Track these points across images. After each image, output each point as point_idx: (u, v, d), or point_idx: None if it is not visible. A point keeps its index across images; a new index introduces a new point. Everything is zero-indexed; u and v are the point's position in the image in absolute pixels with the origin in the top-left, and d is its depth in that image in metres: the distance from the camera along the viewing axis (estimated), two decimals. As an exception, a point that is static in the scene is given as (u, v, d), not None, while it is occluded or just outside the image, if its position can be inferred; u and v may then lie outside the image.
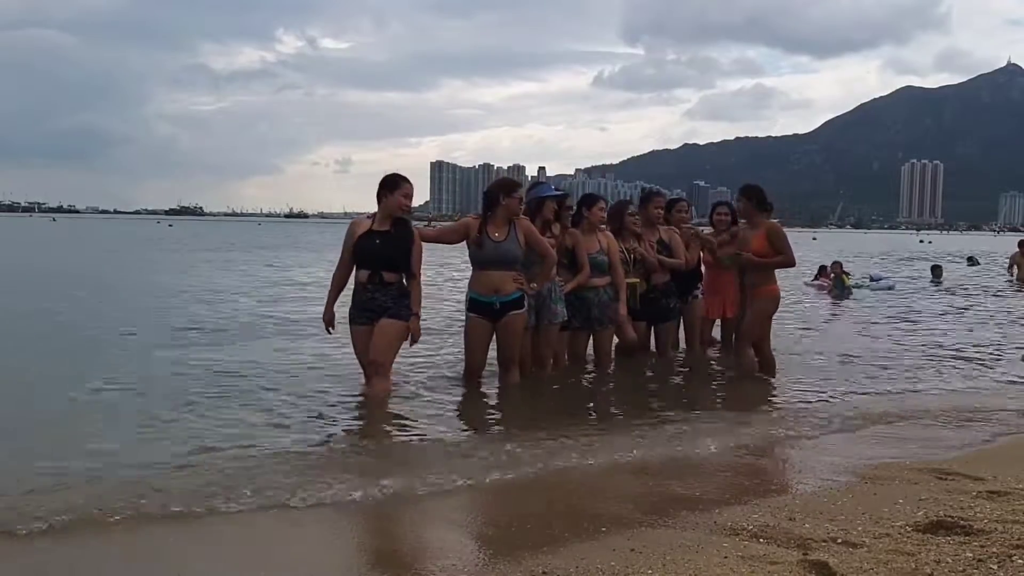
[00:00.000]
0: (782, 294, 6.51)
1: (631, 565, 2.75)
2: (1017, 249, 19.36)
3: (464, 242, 5.70)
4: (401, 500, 3.60)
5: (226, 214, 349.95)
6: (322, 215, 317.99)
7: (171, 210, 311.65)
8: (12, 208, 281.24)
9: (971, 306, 13.12)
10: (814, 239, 62.60)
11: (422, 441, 4.63)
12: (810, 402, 5.77)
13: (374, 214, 5.39)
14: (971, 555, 2.80)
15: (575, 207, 6.43)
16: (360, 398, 5.41)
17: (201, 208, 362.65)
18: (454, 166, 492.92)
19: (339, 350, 6.51)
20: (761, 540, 3.00)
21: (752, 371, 6.33)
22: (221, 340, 8.13)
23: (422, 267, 5.51)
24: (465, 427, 5.01)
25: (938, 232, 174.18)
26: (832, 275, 15.41)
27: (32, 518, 3.17)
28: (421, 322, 5.48)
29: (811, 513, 3.31)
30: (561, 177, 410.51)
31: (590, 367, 6.54)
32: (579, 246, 6.20)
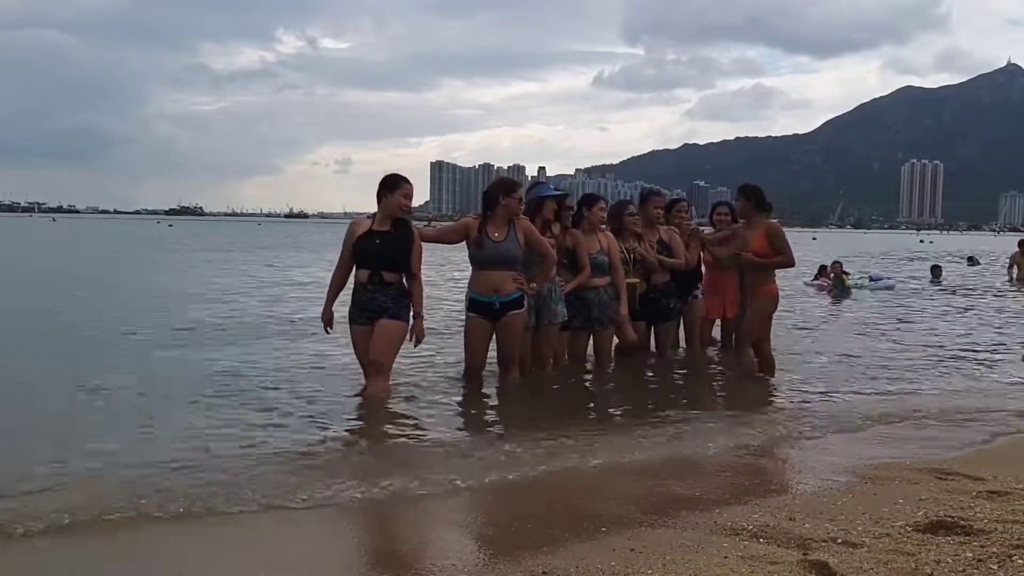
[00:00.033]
0: (782, 294, 6.51)
1: (631, 565, 2.75)
2: (1017, 249, 19.36)
3: (464, 242, 5.70)
4: (401, 500, 3.60)
5: (226, 214, 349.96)
6: (322, 215, 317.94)
7: (171, 210, 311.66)
8: (12, 208, 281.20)
9: (971, 306, 13.12)
10: (814, 239, 62.58)
11: (422, 441, 4.63)
12: (810, 402, 5.77)
13: (374, 214, 5.39)
14: (971, 555, 2.80)
15: (575, 207, 6.43)
16: (360, 398, 5.41)
17: (201, 208, 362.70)
18: (454, 166, 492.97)
19: (339, 350, 6.51)
20: (761, 540, 3.00)
21: (752, 371, 6.33)
22: (221, 340, 8.12)
23: (422, 267, 5.51)
24: (465, 427, 5.02)
25: (938, 232, 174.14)
26: (832, 275, 15.41)
27: (32, 518, 3.18)
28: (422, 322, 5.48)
29: (811, 513, 3.31)
30: (561, 177, 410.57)
31: (590, 367, 6.55)
32: (580, 246, 6.20)
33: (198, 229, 74.51)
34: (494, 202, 5.61)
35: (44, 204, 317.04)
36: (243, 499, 3.50)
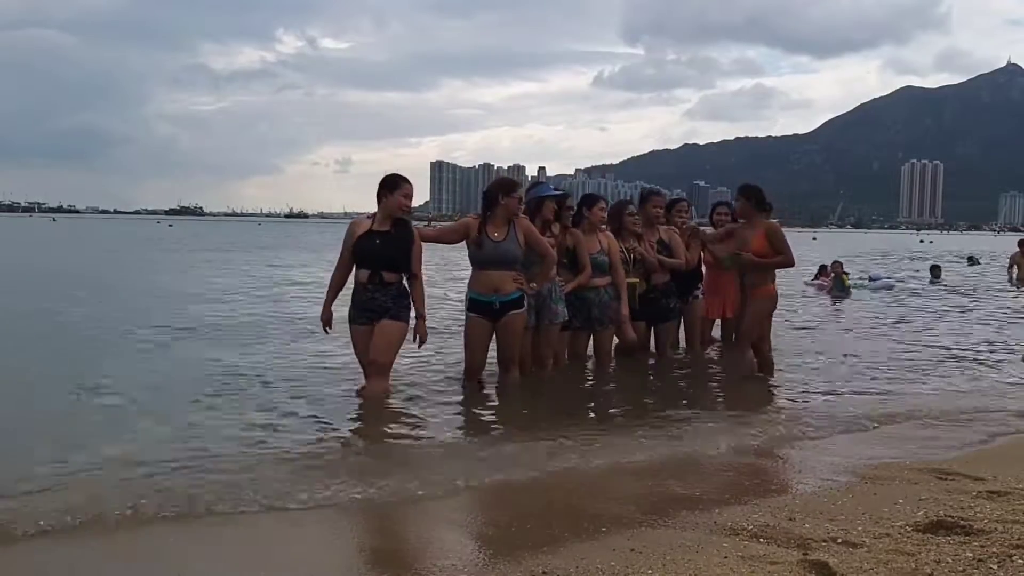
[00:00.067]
0: (782, 293, 6.52)
1: (631, 565, 2.75)
2: (1017, 249, 19.37)
3: (464, 242, 5.70)
4: (401, 500, 3.60)
5: (226, 214, 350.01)
6: (322, 215, 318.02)
7: (171, 210, 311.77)
8: (12, 208, 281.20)
9: (971, 306, 13.12)
10: (814, 239, 62.58)
11: (422, 441, 4.63)
12: (810, 402, 5.77)
13: (374, 214, 5.39)
14: (971, 555, 2.80)
15: (575, 207, 6.43)
16: (360, 398, 5.41)
17: (201, 208, 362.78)
18: (454, 166, 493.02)
19: (339, 350, 6.51)
20: (761, 540, 3.00)
21: (752, 371, 6.34)
22: (221, 340, 8.12)
23: (423, 267, 5.52)
24: (465, 427, 5.02)
25: (938, 232, 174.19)
26: (832, 275, 15.41)
27: (32, 518, 3.18)
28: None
29: (811, 513, 3.31)
30: (561, 177, 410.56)
31: (590, 367, 6.55)
32: (580, 246, 6.20)
33: (198, 229, 74.51)
34: (494, 202, 5.61)
35: (44, 204, 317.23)
36: (243, 499, 3.50)
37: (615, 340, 6.61)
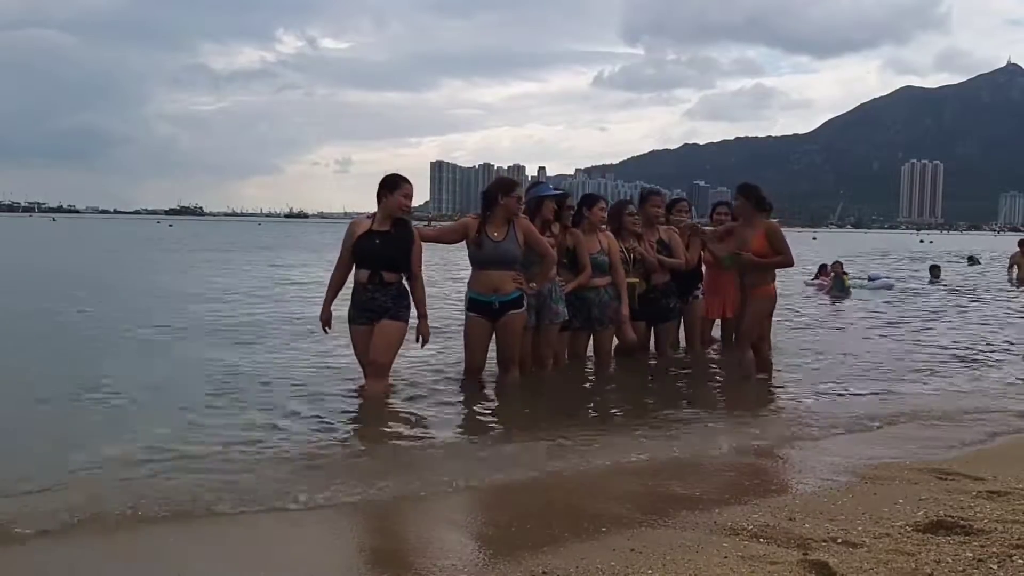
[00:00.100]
0: (782, 293, 6.51)
1: (631, 565, 2.75)
2: (1017, 249, 19.37)
3: (464, 242, 5.71)
4: (401, 500, 3.60)
5: (226, 214, 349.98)
6: (322, 215, 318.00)
7: (171, 210, 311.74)
8: (12, 208, 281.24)
9: (971, 306, 13.12)
10: (814, 239, 62.59)
11: (422, 441, 4.63)
12: (810, 402, 5.76)
13: (374, 214, 5.40)
14: (971, 555, 2.80)
15: (575, 207, 6.43)
16: (360, 398, 5.41)
17: (201, 208, 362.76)
18: (454, 166, 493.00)
19: (339, 350, 6.51)
20: (761, 540, 3.00)
21: (752, 371, 6.33)
22: (221, 340, 8.12)
23: (423, 267, 5.52)
24: (465, 427, 5.01)
25: (938, 232, 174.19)
26: (832, 274, 15.41)
27: (32, 518, 3.17)
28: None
29: (811, 513, 3.31)
30: (561, 177, 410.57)
31: (590, 367, 6.55)
32: (580, 246, 6.20)
33: (198, 229, 74.52)
34: (493, 202, 5.61)
35: (44, 204, 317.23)
36: (243, 499, 3.50)
37: (615, 340, 6.61)
